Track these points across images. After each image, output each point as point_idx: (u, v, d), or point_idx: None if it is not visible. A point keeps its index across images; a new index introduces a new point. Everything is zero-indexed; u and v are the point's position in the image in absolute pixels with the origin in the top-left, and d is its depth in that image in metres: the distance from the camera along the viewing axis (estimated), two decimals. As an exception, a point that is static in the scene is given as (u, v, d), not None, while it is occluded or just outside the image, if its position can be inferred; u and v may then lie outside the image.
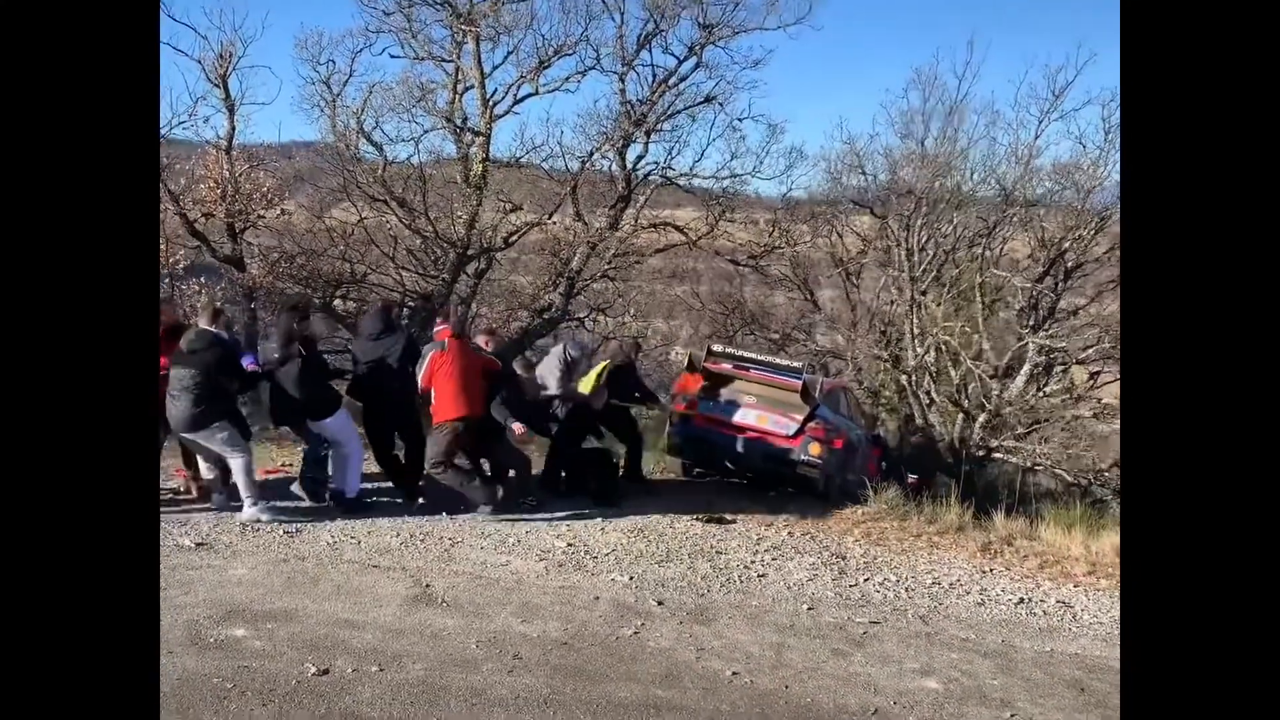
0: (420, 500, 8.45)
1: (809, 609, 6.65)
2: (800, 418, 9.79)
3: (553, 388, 9.44)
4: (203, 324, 7.43)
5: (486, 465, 8.82)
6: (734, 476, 10.69)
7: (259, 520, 7.36)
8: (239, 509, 7.50)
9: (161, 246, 13.03)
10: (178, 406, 7.21)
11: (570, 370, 9.51)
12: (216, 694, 4.56)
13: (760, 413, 9.94)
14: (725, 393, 10.25)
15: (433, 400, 8.16)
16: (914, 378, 12.92)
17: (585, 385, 9.55)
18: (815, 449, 9.70)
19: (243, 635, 5.24)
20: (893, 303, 14.54)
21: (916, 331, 12.98)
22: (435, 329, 8.77)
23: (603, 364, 9.89)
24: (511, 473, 8.62)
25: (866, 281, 17.14)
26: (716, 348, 11.14)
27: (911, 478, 12.67)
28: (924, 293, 13.23)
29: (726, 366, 10.58)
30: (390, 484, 8.73)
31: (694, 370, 10.64)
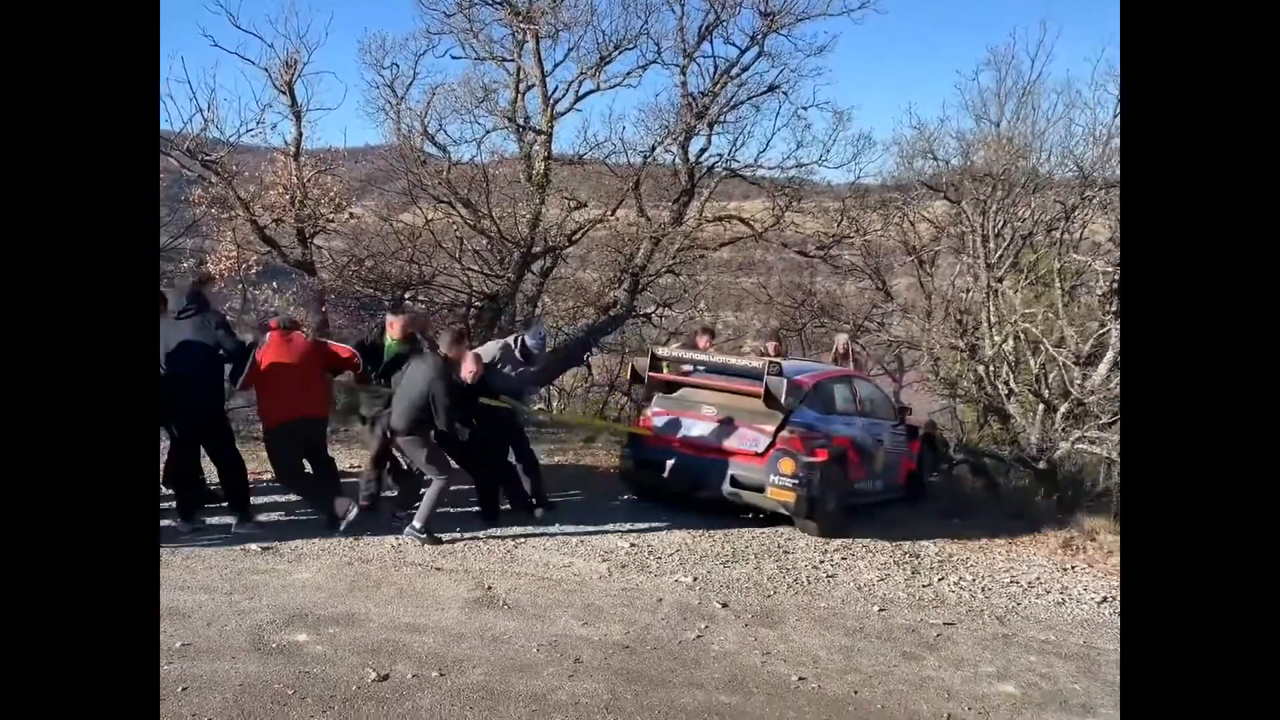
0: (344, 525, 7.24)
1: (880, 610, 6.44)
2: (772, 429, 8.09)
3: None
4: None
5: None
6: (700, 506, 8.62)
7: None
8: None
9: (233, 253, 13.31)
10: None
11: (524, 361, 8.43)
12: (278, 699, 4.56)
13: (722, 426, 8.33)
14: (682, 405, 8.68)
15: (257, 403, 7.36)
16: (991, 367, 12.51)
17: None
18: (788, 465, 7.88)
19: (305, 640, 5.25)
20: (969, 290, 14.12)
21: (994, 320, 12.56)
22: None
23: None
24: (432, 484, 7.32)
25: (941, 269, 16.71)
26: (662, 352, 9.42)
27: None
28: (1001, 279, 12.80)
29: (681, 373, 9.01)
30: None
31: (638, 380, 9.19)
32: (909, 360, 17.36)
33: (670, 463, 8.29)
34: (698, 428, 8.38)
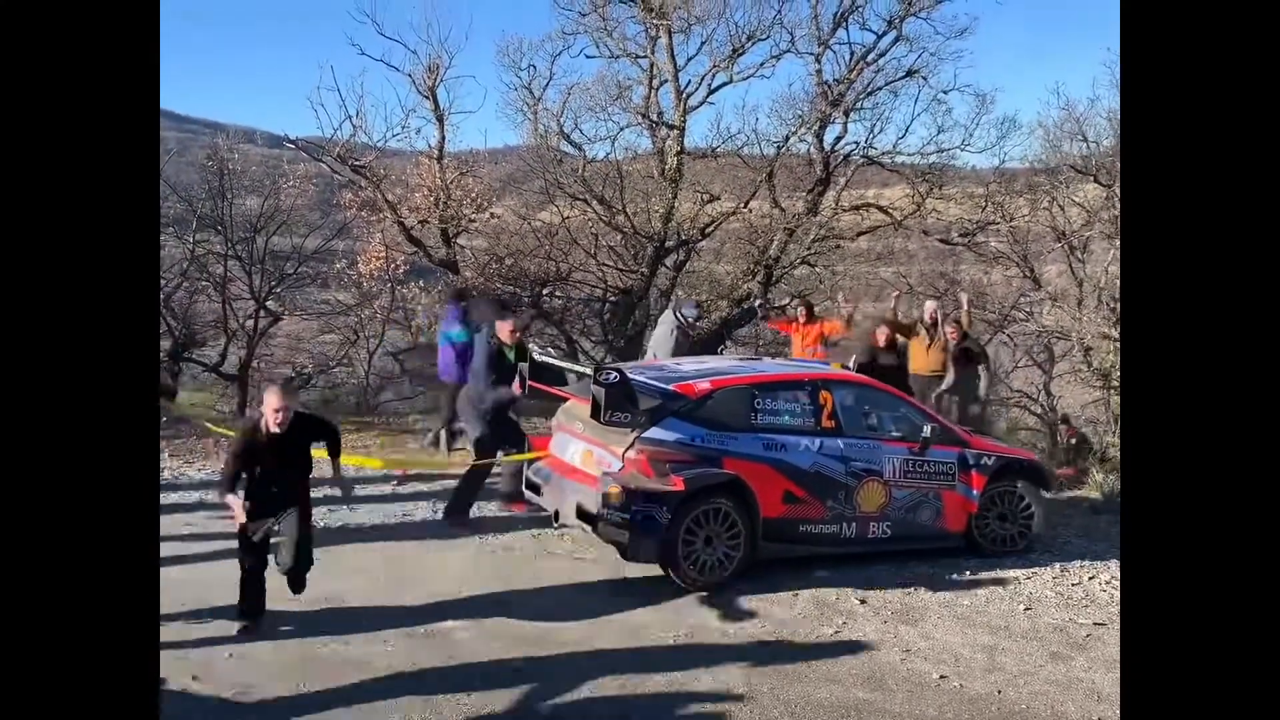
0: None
1: (1026, 609, 6.23)
2: (621, 450, 6.34)
3: (663, 358, 8.06)
4: None
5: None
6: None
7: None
8: None
9: (382, 253, 13.90)
10: None
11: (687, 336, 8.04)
12: (422, 683, 4.76)
13: (586, 446, 6.73)
14: (569, 420, 7.11)
15: None
16: (1147, 357, 11.89)
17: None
18: (614, 493, 6.06)
19: (451, 626, 5.45)
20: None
21: (1150, 307, 11.95)
22: None
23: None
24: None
25: (1094, 255, 15.96)
26: (539, 357, 7.99)
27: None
28: (1157, 264, 12.17)
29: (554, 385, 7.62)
30: None
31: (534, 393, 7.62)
32: (1060, 351, 16.68)
33: (546, 486, 6.91)
34: (571, 447, 6.93)
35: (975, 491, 7.19)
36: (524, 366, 7.43)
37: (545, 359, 8.02)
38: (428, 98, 13.44)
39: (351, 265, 14.88)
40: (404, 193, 13.69)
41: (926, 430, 7.06)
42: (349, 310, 14.70)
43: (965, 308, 10.38)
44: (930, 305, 10.48)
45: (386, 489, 8.44)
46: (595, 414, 6.31)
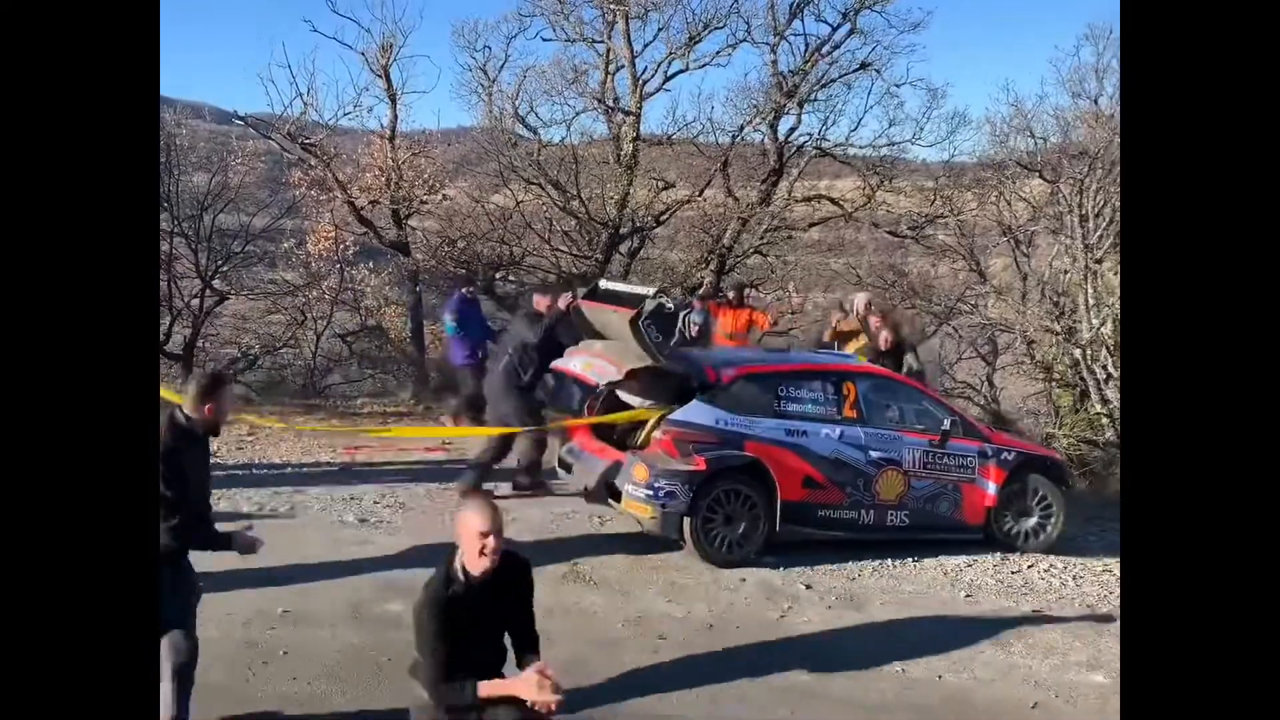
0: None
1: (966, 596, 6.38)
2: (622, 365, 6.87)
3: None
4: None
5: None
6: None
7: None
8: None
9: (331, 233, 13.73)
10: None
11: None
12: (375, 666, 4.75)
13: (590, 359, 7.29)
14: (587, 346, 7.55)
15: None
16: (1089, 351, 12.15)
17: None
18: (640, 472, 6.52)
19: (400, 610, 5.44)
20: (1066, 272, 13.72)
21: (1092, 302, 12.18)
22: None
23: None
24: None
25: (1038, 250, 16.26)
26: (604, 285, 8.17)
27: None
28: (1100, 260, 12.40)
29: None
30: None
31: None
32: (1003, 343, 16.98)
33: (577, 464, 7.21)
34: (577, 360, 7.35)
35: (994, 486, 7.30)
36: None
37: (610, 286, 8.16)
38: (380, 76, 13.31)
39: (300, 245, 14.66)
40: (355, 172, 13.55)
41: (947, 423, 7.24)
42: (296, 290, 14.46)
43: (862, 311, 9.64)
44: (861, 299, 10.08)
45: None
46: (635, 322, 6.67)
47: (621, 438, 7.26)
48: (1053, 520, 7.44)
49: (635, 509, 6.57)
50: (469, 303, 9.86)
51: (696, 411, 6.68)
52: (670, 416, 6.64)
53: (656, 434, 6.63)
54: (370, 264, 14.65)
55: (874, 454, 7.02)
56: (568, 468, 7.33)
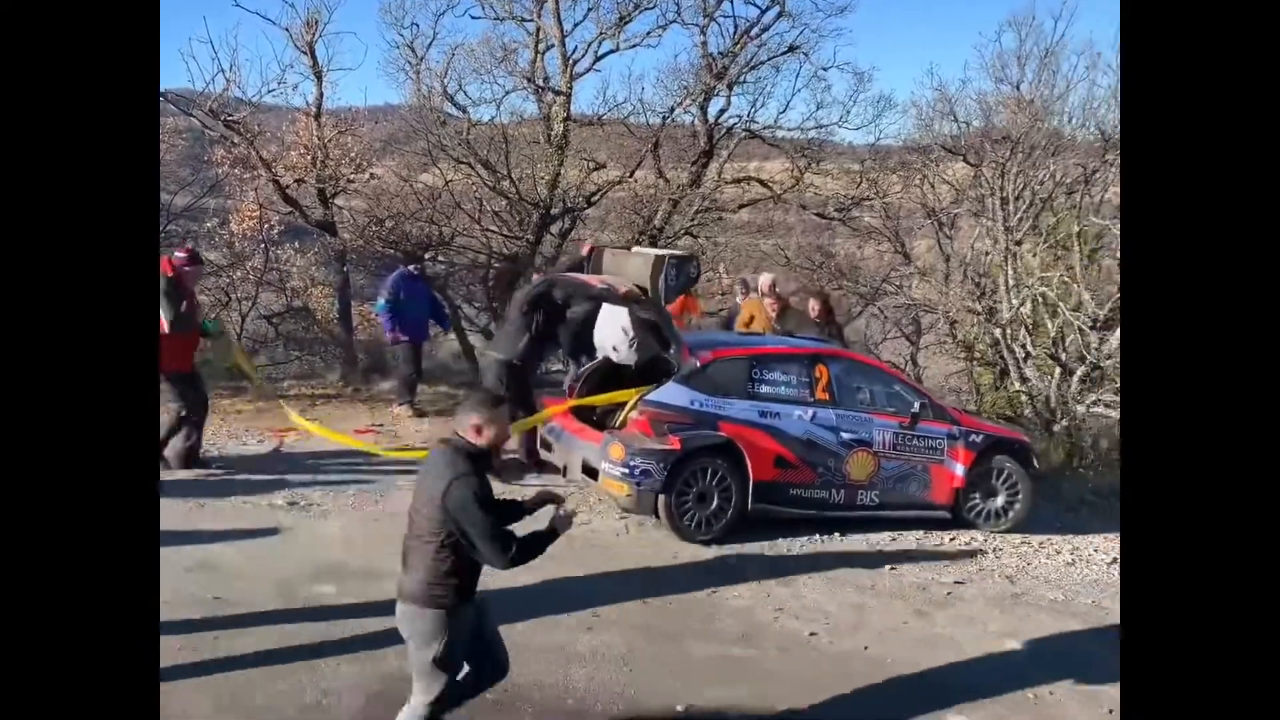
0: None
1: (891, 569, 6.56)
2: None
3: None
4: None
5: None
6: None
7: None
8: None
9: (256, 212, 13.41)
10: None
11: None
12: (309, 650, 4.74)
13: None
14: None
15: None
16: (1009, 330, 12.51)
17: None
18: (616, 451, 6.71)
19: (331, 592, 5.42)
20: (987, 253, 14.08)
21: (1012, 283, 12.53)
22: None
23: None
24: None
25: (961, 232, 16.63)
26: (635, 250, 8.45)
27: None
28: (1019, 242, 12.75)
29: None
30: None
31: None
32: (927, 323, 17.34)
33: (557, 444, 7.45)
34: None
35: (962, 467, 7.51)
36: None
37: (640, 249, 8.43)
38: (305, 53, 12.99)
39: (223, 224, 14.29)
40: (279, 150, 13.22)
41: (916, 406, 7.44)
42: (220, 271, 14.11)
43: (766, 290, 9.98)
44: (765, 279, 10.34)
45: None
46: (660, 259, 7.19)
47: (601, 419, 7.44)
48: (1019, 501, 7.66)
49: (612, 487, 6.71)
50: (412, 279, 9.87)
51: (672, 393, 6.90)
52: (646, 397, 6.86)
53: (633, 414, 6.85)
54: (296, 244, 14.33)
55: (845, 435, 7.22)
56: (548, 446, 7.55)
